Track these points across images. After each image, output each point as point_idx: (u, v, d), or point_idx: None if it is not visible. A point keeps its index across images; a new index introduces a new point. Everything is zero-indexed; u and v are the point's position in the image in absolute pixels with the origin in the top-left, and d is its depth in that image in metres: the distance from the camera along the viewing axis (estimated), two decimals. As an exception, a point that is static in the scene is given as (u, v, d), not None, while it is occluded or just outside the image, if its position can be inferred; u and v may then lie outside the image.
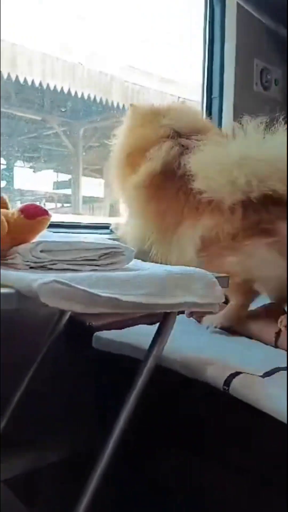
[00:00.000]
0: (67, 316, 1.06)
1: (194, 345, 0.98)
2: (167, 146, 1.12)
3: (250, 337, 1.10)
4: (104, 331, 1.10)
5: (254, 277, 1.04)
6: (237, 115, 1.69)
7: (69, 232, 1.25)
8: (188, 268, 0.82)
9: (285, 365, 0.90)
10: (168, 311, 0.75)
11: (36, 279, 0.57)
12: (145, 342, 0.95)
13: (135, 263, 0.84)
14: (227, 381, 0.79)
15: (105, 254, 0.78)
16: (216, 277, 0.81)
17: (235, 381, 0.78)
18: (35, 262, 0.71)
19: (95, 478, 0.75)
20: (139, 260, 0.89)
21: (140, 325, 1.11)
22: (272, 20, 1.79)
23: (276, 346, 1.05)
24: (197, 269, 0.83)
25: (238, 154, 0.99)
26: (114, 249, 0.79)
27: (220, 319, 1.08)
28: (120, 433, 0.77)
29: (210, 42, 1.74)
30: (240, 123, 1.04)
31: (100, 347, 1.08)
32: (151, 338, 0.92)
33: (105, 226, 1.44)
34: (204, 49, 1.74)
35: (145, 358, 0.81)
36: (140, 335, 1.01)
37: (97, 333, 1.09)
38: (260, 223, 0.98)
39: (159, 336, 0.82)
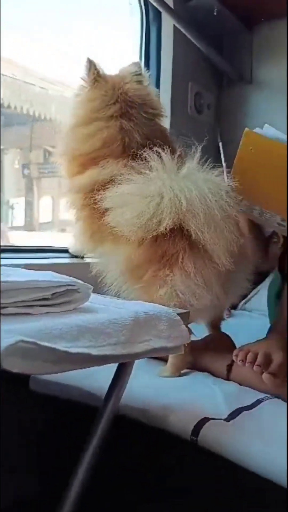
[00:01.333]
0: None
1: (149, 385, 0.91)
2: (121, 164, 1.05)
3: (200, 370, 1.07)
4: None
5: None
6: (172, 137, 1.70)
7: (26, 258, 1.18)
8: (151, 306, 0.76)
9: (246, 403, 0.87)
10: (138, 359, 0.68)
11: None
12: (88, 384, 0.88)
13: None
14: (195, 431, 0.73)
15: (59, 292, 0.69)
16: (178, 314, 0.77)
17: (204, 431, 0.73)
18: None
19: None
20: (94, 294, 0.81)
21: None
22: (207, 45, 1.82)
23: (227, 379, 1.03)
24: (160, 306, 0.77)
25: (142, 192, 0.95)
26: (68, 287, 0.70)
27: (170, 370, 1.02)
28: (79, 489, 0.69)
29: (146, 63, 1.72)
30: (159, 156, 0.99)
31: (37, 389, 0.97)
32: (93, 378, 0.86)
33: (65, 250, 1.34)
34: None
35: (102, 410, 0.73)
36: (81, 375, 0.93)
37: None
38: (168, 255, 0.95)
39: (116, 385, 0.74)
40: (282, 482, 0.65)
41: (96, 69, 1.10)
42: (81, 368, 0.57)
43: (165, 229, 0.91)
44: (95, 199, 0.99)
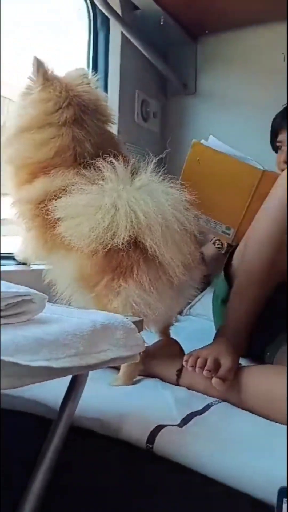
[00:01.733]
0: None
1: (102, 394, 0.91)
2: (72, 173, 1.03)
3: (150, 376, 1.08)
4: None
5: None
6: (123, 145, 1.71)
7: None
8: (108, 315, 0.76)
9: (197, 408, 0.89)
10: (96, 369, 0.68)
11: None
12: (42, 395, 0.86)
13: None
14: (150, 438, 0.74)
15: (12, 303, 0.68)
16: (132, 322, 0.77)
17: (159, 438, 0.74)
18: None
19: None
20: (49, 304, 0.80)
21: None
22: (153, 54, 1.85)
23: (177, 384, 1.05)
24: (115, 315, 0.78)
25: (96, 203, 0.95)
26: (23, 297, 0.69)
27: (123, 379, 1.02)
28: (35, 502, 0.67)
29: (94, 69, 1.71)
30: (112, 165, 0.99)
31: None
32: (47, 388, 0.84)
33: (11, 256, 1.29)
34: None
35: (57, 421, 0.72)
36: (38, 386, 0.91)
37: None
38: (122, 266, 0.95)
39: (70, 395, 0.73)
40: (235, 485, 0.67)
41: (45, 68, 1.07)
42: (42, 381, 0.56)
43: (119, 241, 0.90)
44: (47, 209, 0.97)
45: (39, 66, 1.06)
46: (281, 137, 1.49)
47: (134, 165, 1.01)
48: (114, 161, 0.98)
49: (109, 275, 0.95)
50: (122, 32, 1.73)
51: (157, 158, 1.00)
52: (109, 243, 0.91)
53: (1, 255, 1.30)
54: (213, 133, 1.95)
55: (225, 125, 1.95)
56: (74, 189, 0.97)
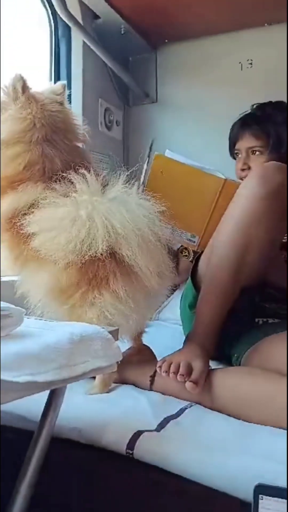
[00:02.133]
0: None
1: (79, 403, 0.92)
2: (41, 188, 1.03)
3: (124, 382, 1.10)
4: None
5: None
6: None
7: None
8: (83, 326, 0.77)
9: (171, 412, 0.92)
10: (76, 381, 0.69)
11: None
12: (20, 407, 0.87)
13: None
14: (130, 444, 0.76)
15: (-10, 318, 0.68)
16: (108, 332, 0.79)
17: (138, 443, 0.76)
18: None
19: None
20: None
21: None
22: (115, 63, 1.87)
23: (150, 390, 1.07)
24: (92, 326, 0.79)
25: (70, 216, 0.95)
26: (1, 312, 0.70)
27: (99, 387, 1.03)
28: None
29: (56, 77, 1.72)
30: (84, 177, 0.99)
31: None
32: (24, 400, 0.84)
33: None
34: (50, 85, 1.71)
35: (37, 434, 0.73)
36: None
37: None
38: (97, 277, 0.96)
39: (50, 408, 0.74)
40: (213, 484, 0.71)
41: (27, 87, 1.07)
42: (26, 396, 0.57)
43: (96, 253, 0.91)
44: (17, 225, 0.98)
45: (24, 85, 1.06)
46: (238, 145, 1.55)
47: (105, 177, 1.03)
48: (86, 173, 0.99)
49: (84, 287, 0.96)
50: (83, 41, 1.74)
51: (129, 171, 1.02)
52: (86, 255, 0.92)
53: None
54: (175, 140, 2.01)
55: (186, 133, 2.01)
56: (46, 203, 0.97)
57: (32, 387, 0.57)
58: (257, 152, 1.50)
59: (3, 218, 1.03)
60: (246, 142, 1.52)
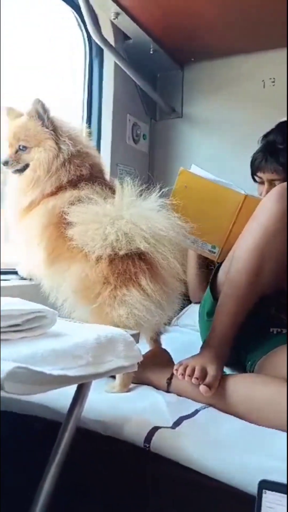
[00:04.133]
0: None
1: (102, 399, 1.01)
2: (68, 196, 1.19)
3: (143, 383, 1.18)
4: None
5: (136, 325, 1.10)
6: (113, 165, 1.83)
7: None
8: (108, 329, 0.86)
9: (186, 413, 1.00)
10: (101, 378, 0.77)
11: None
12: (50, 399, 0.96)
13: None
14: (147, 439, 0.84)
15: (28, 319, 0.77)
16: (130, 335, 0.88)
17: (155, 438, 0.84)
18: None
19: None
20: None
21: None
22: (143, 81, 1.97)
23: (167, 391, 1.15)
24: (115, 329, 0.88)
25: (112, 214, 1.10)
26: (37, 314, 0.79)
27: (118, 388, 1.12)
28: (46, 499, 0.76)
29: (89, 95, 1.83)
30: (121, 183, 1.16)
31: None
32: (54, 393, 0.93)
33: (13, 271, 1.40)
34: (83, 102, 1.82)
35: (64, 424, 0.81)
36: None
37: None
38: (127, 273, 1.08)
39: (77, 401, 0.82)
40: (222, 478, 0.78)
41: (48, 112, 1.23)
42: (57, 388, 0.65)
43: (137, 249, 1.05)
44: (60, 219, 1.14)
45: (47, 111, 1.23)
46: (260, 174, 1.60)
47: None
48: (129, 180, 1.15)
49: (112, 285, 1.07)
50: (114, 61, 1.84)
51: (160, 188, 1.15)
52: (122, 249, 1.05)
53: (4, 270, 1.39)
54: (199, 154, 2.09)
55: (210, 147, 2.08)
56: (91, 201, 1.13)
57: (63, 380, 0.65)
58: (278, 182, 1.55)
59: (49, 214, 1.18)
60: (268, 175, 1.56)
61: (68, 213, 1.13)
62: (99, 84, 1.85)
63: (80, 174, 1.23)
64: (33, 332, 0.76)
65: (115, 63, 1.85)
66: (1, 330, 0.71)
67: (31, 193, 1.23)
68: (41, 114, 1.22)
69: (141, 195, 1.15)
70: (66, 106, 1.81)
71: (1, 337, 0.70)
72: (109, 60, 1.86)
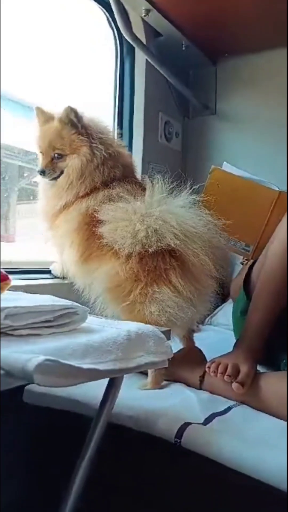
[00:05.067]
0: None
1: (134, 395, 1.01)
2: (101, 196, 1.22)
3: (175, 381, 1.18)
4: (35, 384, 1.07)
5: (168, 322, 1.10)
6: (145, 164, 1.83)
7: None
8: (139, 325, 0.87)
9: (218, 410, 0.99)
10: (132, 373, 0.78)
11: (29, 359, 0.56)
12: (82, 395, 0.97)
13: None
14: (178, 434, 0.84)
15: (60, 315, 0.79)
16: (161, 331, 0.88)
17: (186, 433, 0.84)
18: (-3, 329, 0.69)
19: None
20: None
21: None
22: (176, 78, 1.96)
23: (200, 388, 1.14)
24: (146, 326, 0.88)
25: (142, 211, 1.11)
26: (68, 310, 0.80)
27: (151, 385, 1.12)
28: (76, 493, 0.77)
29: (120, 94, 1.84)
30: (152, 181, 1.16)
31: (31, 401, 1.05)
32: (85, 389, 0.94)
33: (47, 271, 1.44)
34: (115, 101, 1.83)
35: (96, 418, 0.82)
36: (74, 387, 1.02)
37: (28, 387, 1.07)
38: (157, 270, 1.08)
39: (109, 395, 0.83)
40: (254, 474, 0.77)
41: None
42: (88, 381, 0.66)
43: (168, 245, 1.05)
44: (93, 218, 1.17)
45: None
46: None
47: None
48: (159, 177, 1.15)
49: (143, 282, 1.07)
50: (146, 59, 1.84)
51: (190, 185, 1.16)
52: (152, 246, 1.05)
53: (39, 269, 1.43)
54: (233, 151, 2.06)
55: (244, 144, 2.05)
56: (121, 199, 1.16)
57: (93, 374, 0.66)
58: None
59: (81, 215, 1.22)
60: None
61: (99, 212, 1.15)
62: (130, 83, 1.85)
63: (114, 175, 1.26)
64: (64, 328, 0.78)
65: (147, 61, 1.85)
66: (33, 325, 0.73)
67: (65, 197, 1.26)
68: (75, 123, 1.24)
69: (172, 192, 1.15)
70: (97, 105, 1.82)
71: (32, 332, 0.72)
72: (141, 58, 1.86)
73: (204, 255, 1.07)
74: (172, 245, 1.05)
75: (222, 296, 1.67)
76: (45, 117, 1.29)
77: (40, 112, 1.30)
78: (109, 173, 1.25)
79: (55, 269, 1.40)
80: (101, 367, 0.67)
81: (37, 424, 1.05)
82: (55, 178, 1.28)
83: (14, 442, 1.05)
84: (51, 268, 1.42)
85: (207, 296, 1.18)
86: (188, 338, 1.30)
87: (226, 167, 1.47)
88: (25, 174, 1.75)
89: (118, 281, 1.10)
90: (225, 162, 1.47)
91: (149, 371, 1.12)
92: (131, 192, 1.18)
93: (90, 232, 1.18)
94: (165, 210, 1.10)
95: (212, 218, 1.12)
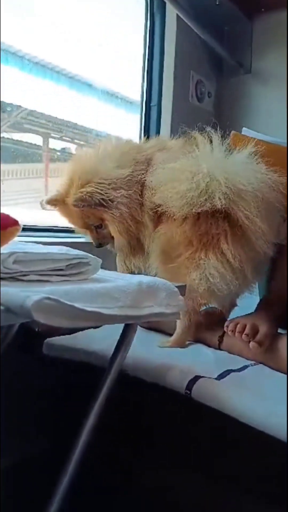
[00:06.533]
0: (16, 326, 1.04)
1: (150, 351, 1.02)
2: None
3: (195, 341, 1.18)
4: (55, 338, 1.10)
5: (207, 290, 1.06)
6: (174, 124, 1.78)
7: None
8: (153, 278, 0.86)
9: (234, 368, 0.98)
10: (140, 322, 0.78)
11: (28, 296, 0.57)
12: (99, 347, 0.99)
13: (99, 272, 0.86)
14: (189, 386, 0.84)
15: (72, 264, 0.79)
16: (176, 286, 0.87)
17: (196, 386, 0.84)
18: (6, 273, 0.70)
19: (62, 485, 0.76)
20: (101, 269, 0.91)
21: (88, 330, 1.13)
22: (209, 35, 1.88)
23: (219, 348, 1.13)
24: (160, 279, 0.87)
25: (189, 169, 1.03)
26: (81, 259, 0.80)
27: (174, 342, 1.12)
28: (86, 440, 0.79)
29: (150, 51, 1.79)
30: (208, 137, 1.07)
31: (51, 354, 1.08)
32: (103, 342, 0.96)
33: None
34: (144, 58, 1.79)
35: (109, 366, 0.83)
36: (92, 340, 1.04)
37: (48, 340, 1.09)
38: (209, 234, 1.03)
39: (122, 344, 0.84)
40: (262, 428, 0.76)
41: None
42: (92, 326, 0.67)
43: (214, 206, 0.97)
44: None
45: None
46: None
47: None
48: (213, 132, 1.07)
49: (194, 247, 1.03)
50: (177, 15, 1.77)
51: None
52: (203, 206, 0.97)
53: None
54: (268, 112, 1.97)
55: (279, 104, 1.96)
56: (167, 158, 1.10)
57: (97, 318, 0.66)
58: None
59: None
60: None
61: (152, 175, 1.10)
62: (160, 39, 1.79)
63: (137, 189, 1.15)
64: (75, 277, 0.78)
65: (178, 16, 1.78)
66: (43, 272, 0.74)
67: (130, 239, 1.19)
68: (88, 206, 1.13)
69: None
70: (127, 62, 1.79)
71: (42, 279, 0.73)
72: (171, 13, 1.78)
73: (256, 216, 0.98)
74: (219, 205, 0.97)
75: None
76: (60, 203, 1.19)
77: (53, 202, 1.21)
78: (135, 195, 1.14)
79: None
80: (105, 311, 0.67)
81: (55, 374, 1.08)
82: (112, 244, 1.22)
83: (33, 391, 1.09)
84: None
85: (260, 264, 1.10)
86: (227, 311, 1.25)
87: (247, 133, 1.42)
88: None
89: (173, 242, 1.07)
90: (244, 128, 1.42)
91: (177, 329, 1.11)
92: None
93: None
94: (214, 166, 1.01)
95: (271, 174, 1.02)
